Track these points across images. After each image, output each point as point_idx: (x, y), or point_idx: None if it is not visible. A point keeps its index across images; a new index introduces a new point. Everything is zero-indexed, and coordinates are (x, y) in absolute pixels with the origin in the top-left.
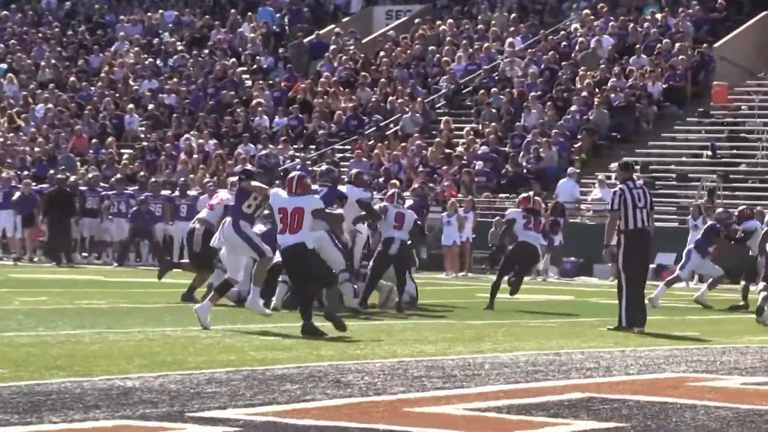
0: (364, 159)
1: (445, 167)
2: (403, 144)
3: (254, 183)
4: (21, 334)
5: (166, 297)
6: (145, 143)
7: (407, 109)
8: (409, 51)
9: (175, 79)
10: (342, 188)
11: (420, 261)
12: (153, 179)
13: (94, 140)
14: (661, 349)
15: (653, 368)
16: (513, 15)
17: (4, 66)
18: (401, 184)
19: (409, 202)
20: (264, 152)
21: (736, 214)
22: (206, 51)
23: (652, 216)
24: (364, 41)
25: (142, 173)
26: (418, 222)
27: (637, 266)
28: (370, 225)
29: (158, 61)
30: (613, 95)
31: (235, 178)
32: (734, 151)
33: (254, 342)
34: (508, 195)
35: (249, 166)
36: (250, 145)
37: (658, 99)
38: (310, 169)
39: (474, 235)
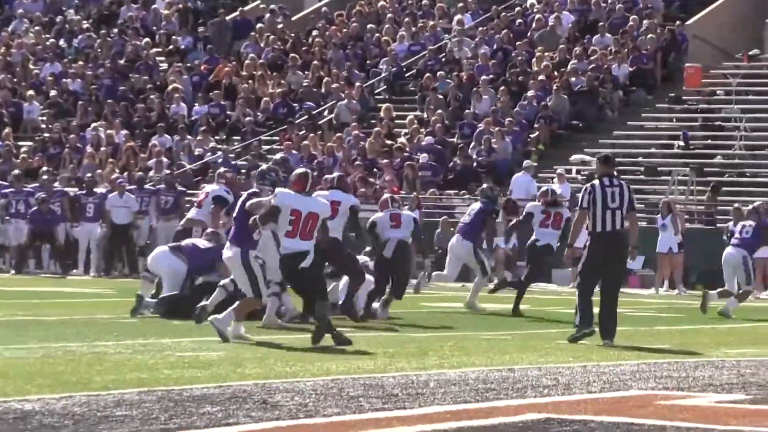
0: (294, 151)
1: (385, 160)
2: (338, 134)
3: (256, 206)
4: None
5: (70, 309)
6: (46, 134)
7: (343, 95)
8: (345, 30)
9: (80, 62)
10: (324, 194)
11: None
12: (45, 177)
13: None
14: (627, 364)
15: (618, 385)
16: None
17: None
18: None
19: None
20: (267, 165)
21: (752, 210)
22: (116, 30)
23: (633, 216)
24: (293, 18)
25: (43, 168)
26: (416, 220)
27: (602, 273)
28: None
29: (62, 42)
30: (573, 79)
31: (222, 170)
32: (709, 142)
33: (169, 358)
34: (456, 191)
35: (254, 187)
36: (166, 136)
37: (623, 83)
38: (232, 162)
39: (423, 236)
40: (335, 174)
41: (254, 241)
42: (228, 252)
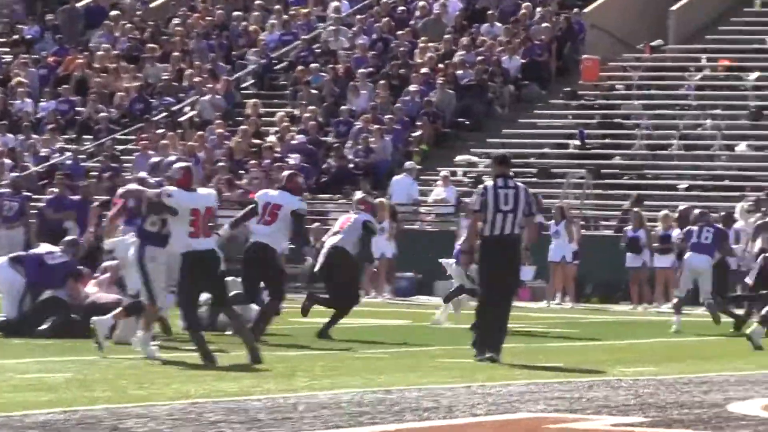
0: (151, 152)
1: (252, 161)
2: (200, 133)
3: (131, 194)
4: None
5: None
6: None
7: (206, 90)
8: (208, 17)
9: None
10: (273, 194)
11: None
12: None
13: None
14: (516, 384)
15: (505, 407)
16: None
17: None
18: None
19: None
20: (175, 156)
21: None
22: None
23: (531, 221)
24: (152, 5)
25: None
26: (369, 225)
27: (492, 280)
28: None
29: None
30: (460, 72)
31: (142, 174)
32: (607, 141)
33: (11, 381)
34: (330, 196)
35: (144, 174)
36: (9, 135)
37: (515, 76)
38: (81, 165)
39: (292, 246)
40: (286, 172)
41: (152, 235)
42: (128, 240)
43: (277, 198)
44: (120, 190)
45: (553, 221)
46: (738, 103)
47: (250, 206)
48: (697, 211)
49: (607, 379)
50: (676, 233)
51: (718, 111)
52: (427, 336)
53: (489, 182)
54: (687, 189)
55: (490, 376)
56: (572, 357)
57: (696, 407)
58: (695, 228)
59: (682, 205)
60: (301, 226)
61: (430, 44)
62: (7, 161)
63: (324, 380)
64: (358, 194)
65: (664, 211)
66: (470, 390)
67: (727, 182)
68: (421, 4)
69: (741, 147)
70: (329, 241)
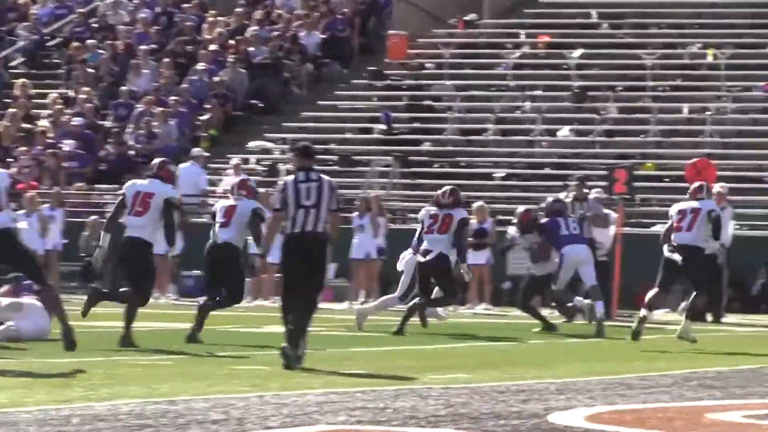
0: None
1: (22, 148)
2: None
3: None
4: None
5: None
6: None
7: None
8: None
9: None
10: (143, 183)
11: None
12: None
13: None
14: (314, 393)
15: (302, 419)
16: None
17: None
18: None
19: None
20: None
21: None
22: None
23: (335, 217)
24: None
25: None
26: (259, 212)
27: (294, 280)
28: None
29: None
30: (253, 49)
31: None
32: (416, 125)
33: None
34: (108, 186)
35: None
36: None
37: (314, 54)
38: None
39: (65, 241)
40: (156, 160)
41: None
42: None
43: (147, 187)
44: None
45: (356, 214)
46: (560, 84)
47: (119, 200)
48: (550, 198)
49: (416, 387)
50: (512, 231)
51: (538, 92)
52: (216, 340)
53: (289, 177)
54: (504, 178)
55: (286, 385)
56: (377, 363)
57: (513, 418)
58: (560, 219)
59: (520, 208)
60: (172, 214)
61: (220, 18)
62: None
63: (102, 390)
64: (234, 179)
65: (479, 203)
66: (263, 400)
67: (547, 170)
68: None
69: (563, 131)
70: (218, 233)
